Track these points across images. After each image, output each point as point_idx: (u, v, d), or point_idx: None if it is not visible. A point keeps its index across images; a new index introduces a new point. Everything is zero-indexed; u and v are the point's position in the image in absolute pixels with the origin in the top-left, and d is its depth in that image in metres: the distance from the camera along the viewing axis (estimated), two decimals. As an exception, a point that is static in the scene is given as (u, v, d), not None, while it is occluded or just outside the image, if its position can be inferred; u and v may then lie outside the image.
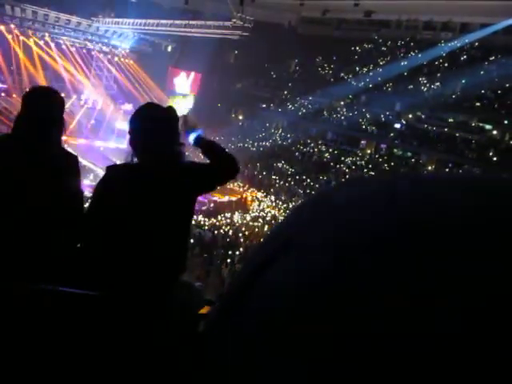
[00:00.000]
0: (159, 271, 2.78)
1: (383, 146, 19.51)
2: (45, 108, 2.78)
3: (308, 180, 18.30)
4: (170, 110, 2.93)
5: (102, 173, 3.09)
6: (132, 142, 2.92)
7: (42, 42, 18.36)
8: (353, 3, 20.33)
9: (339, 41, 21.63)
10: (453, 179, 0.23)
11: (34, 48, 18.42)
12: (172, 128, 2.83)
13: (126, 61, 19.39)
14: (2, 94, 16.74)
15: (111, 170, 2.95)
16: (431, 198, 0.21)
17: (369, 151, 19.68)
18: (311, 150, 20.10)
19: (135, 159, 2.93)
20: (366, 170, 18.31)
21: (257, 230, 14.47)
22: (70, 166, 2.93)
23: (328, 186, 0.23)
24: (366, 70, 21.18)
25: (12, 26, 17.71)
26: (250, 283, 0.18)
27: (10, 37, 17.90)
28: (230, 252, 12.36)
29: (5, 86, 17.28)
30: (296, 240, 0.18)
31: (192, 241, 12.45)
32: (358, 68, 21.37)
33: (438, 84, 19.48)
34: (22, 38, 17.99)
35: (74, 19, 18.03)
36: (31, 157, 2.70)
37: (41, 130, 2.72)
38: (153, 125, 2.87)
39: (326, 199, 0.20)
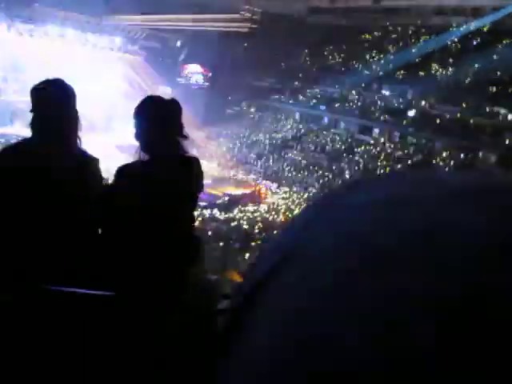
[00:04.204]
0: (172, 264, 2.76)
1: (396, 133, 19.34)
2: (56, 105, 2.73)
3: (321, 170, 18.23)
4: (172, 102, 2.89)
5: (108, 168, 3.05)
6: (137, 137, 2.92)
7: (48, 41, 18.40)
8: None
9: (349, 29, 21.45)
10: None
11: (41, 47, 18.47)
12: (174, 120, 2.81)
13: (135, 57, 19.41)
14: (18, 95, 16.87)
15: (121, 169, 2.93)
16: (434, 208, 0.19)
17: (382, 139, 19.52)
18: (324, 140, 19.99)
19: (143, 154, 2.92)
20: (380, 159, 18.20)
21: (271, 221, 14.45)
22: (87, 168, 2.90)
23: (327, 193, 0.22)
24: (376, 57, 21.00)
25: (21, 25, 17.79)
26: (253, 298, 0.18)
27: (18, 36, 18.00)
28: (245, 244, 12.35)
29: (20, 85, 17.42)
30: (297, 252, 0.18)
31: (209, 234, 12.48)
32: (368, 56, 21.19)
33: (450, 69, 19.27)
34: (29, 37, 18.08)
35: (84, 18, 18.07)
36: (47, 161, 2.66)
37: (55, 130, 2.68)
38: (154, 118, 2.84)
39: (326, 208, 0.20)
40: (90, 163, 2.86)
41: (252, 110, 21.14)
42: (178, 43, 20.14)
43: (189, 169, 2.88)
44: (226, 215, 14.48)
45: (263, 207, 15.69)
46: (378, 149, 18.86)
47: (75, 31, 18.66)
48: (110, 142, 17.02)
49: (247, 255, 11.73)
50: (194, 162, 2.93)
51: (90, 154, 2.96)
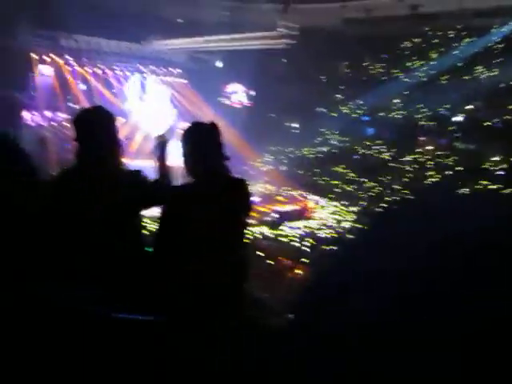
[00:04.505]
0: (225, 284, 2.74)
1: (443, 141, 18.92)
2: (97, 133, 2.80)
3: (369, 182, 17.99)
4: (214, 125, 2.99)
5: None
6: (184, 160, 2.99)
7: (96, 70, 18.93)
8: (397, -1, 19.92)
9: (387, 38, 21.21)
10: None
11: (88, 76, 18.99)
12: (216, 143, 2.89)
13: (179, 80, 19.71)
14: (64, 124, 17.35)
15: (175, 190, 3.03)
16: None
17: (428, 147, 19.12)
18: (369, 151, 19.75)
19: (190, 177, 2.96)
20: (428, 167, 17.83)
21: (322, 237, 14.31)
22: (137, 188, 2.96)
23: None
24: (418, 64, 20.69)
25: (68, 57, 18.33)
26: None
27: (66, 68, 18.55)
28: (296, 262, 12.21)
29: (64, 115, 17.90)
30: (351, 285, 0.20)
31: (258, 252, 12.41)
32: (409, 64, 20.90)
33: (495, 72, 18.78)
34: (78, 67, 18.59)
35: (125, 45, 18.48)
36: (92, 184, 2.73)
37: (97, 155, 2.74)
38: (196, 143, 2.93)
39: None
40: (139, 184, 2.91)
41: (295, 125, 21.11)
42: (219, 64, 20.33)
43: (236, 190, 2.91)
44: (275, 232, 14.40)
45: (313, 222, 15.56)
46: (426, 157, 18.49)
47: (118, 59, 19.11)
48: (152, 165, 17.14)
49: (298, 272, 11.61)
50: (241, 183, 2.97)
51: (141, 174, 3.02)
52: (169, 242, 2.75)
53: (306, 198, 17.84)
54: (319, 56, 20.43)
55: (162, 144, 3.07)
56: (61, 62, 18.51)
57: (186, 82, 20.18)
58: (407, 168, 18.41)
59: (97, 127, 2.80)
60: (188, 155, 2.89)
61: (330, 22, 20.97)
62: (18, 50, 17.20)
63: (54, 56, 18.41)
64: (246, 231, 2.97)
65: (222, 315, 2.59)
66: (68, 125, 17.48)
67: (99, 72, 19.04)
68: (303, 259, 12.26)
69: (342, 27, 21.46)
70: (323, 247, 13.02)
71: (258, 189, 16.86)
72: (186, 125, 3.01)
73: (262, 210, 15.55)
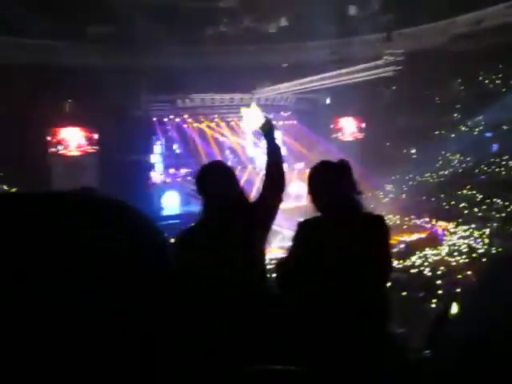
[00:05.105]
0: (367, 322, 2.66)
1: None
2: (219, 188, 2.94)
3: (500, 202, 16.84)
4: (343, 163, 2.96)
5: (288, 233, 3.16)
6: (313, 200, 2.95)
7: (213, 124, 19.93)
8: (507, 5, 18.89)
9: (501, 47, 20.05)
10: None
11: (207, 130, 20.02)
12: (347, 179, 2.84)
13: (289, 122, 20.18)
14: (189, 178, 18.32)
15: (304, 224, 3.02)
16: None
17: None
18: (497, 169, 18.57)
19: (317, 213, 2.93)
20: None
21: (454, 264, 13.59)
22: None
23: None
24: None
25: (185, 115, 19.52)
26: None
27: (185, 126, 19.74)
28: (429, 293, 11.66)
29: (190, 170, 18.88)
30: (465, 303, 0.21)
31: (388, 284, 12.02)
32: (530, 71, 19.58)
33: None
34: (195, 124, 19.71)
35: (237, 96, 19.35)
36: (218, 241, 2.84)
37: (223, 209, 2.88)
38: (329, 181, 2.90)
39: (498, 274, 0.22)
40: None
41: (413, 151, 20.53)
42: (327, 100, 20.54)
43: (377, 227, 2.81)
44: (405, 263, 13.93)
45: (443, 250, 14.85)
46: None
47: (232, 110, 20.01)
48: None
49: (433, 304, 11.01)
50: (381, 220, 2.87)
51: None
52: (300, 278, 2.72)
53: (432, 224, 17.14)
54: (429, 77, 19.86)
55: (268, 125, 3.17)
56: (179, 121, 19.88)
57: (295, 122, 20.60)
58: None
59: (218, 181, 2.96)
60: (321, 193, 2.88)
61: (438, 41, 20.39)
62: (142, 117, 18.80)
63: (173, 117, 19.90)
64: (386, 269, 2.89)
65: (364, 351, 2.52)
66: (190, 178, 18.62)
67: (213, 125, 20.13)
68: (438, 290, 11.70)
69: (451, 44, 20.76)
70: (457, 276, 12.34)
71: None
72: (310, 165, 3.04)
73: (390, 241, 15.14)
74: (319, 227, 2.76)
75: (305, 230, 2.81)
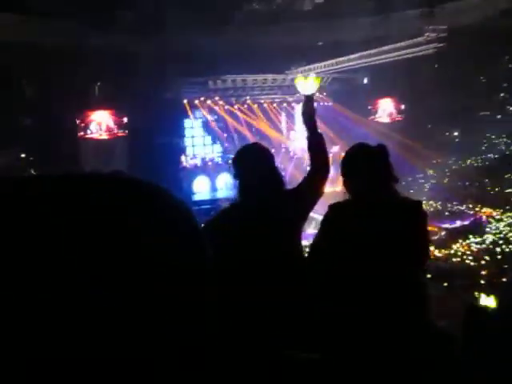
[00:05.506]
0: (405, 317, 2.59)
1: None
2: (256, 170, 2.74)
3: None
4: (380, 147, 2.80)
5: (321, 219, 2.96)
6: (346, 184, 2.77)
7: (245, 107, 19.56)
8: None
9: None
10: None
11: (239, 113, 19.68)
12: (383, 163, 2.68)
13: (325, 103, 19.59)
14: (220, 163, 18.09)
15: (334, 207, 3.02)
16: None
17: None
18: (546, 152, 17.62)
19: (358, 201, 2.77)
20: None
21: (500, 252, 12.91)
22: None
23: None
24: None
25: (217, 97, 19.19)
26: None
27: (217, 108, 19.43)
28: (472, 282, 11.09)
29: (221, 154, 18.77)
30: None
31: (429, 275, 11.56)
32: None
33: None
34: (227, 106, 19.37)
35: (270, 77, 18.88)
36: (254, 221, 2.67)
37: (258, 194, 2.69)
38: (365, 165, 2.78)
39: None
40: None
41: (456, 133, 19.68)
42: (365, 80, 19.79)
43: (410, 214, 2.77)
44: (446, 252, 13.39)
45: (487, 238, 14.12)
46: None
47: (265, 92, 19.59)
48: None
49: (475, 294, 10.42)
50: (416, 206, 2.78)
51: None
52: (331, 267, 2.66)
53: (476, 211, 16.38)
54: (474, 55, 18.87)
55: (309, 100, 3.12)
56: (211, 103, 19.51)
57: (331, 104, 19.98)
58: None
59: (255, 163, 2.88)
60: (354, 177, 2.77)
61: (483, 16, 19.31)
62: (172, 99, 18.51)
63: (204, 99, 19.51)
64: (422, 255, 2.81)
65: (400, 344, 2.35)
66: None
67: (245, 108, 19.71)
68: (480, 280, 11.14)
69: (498, 19, 19.65)
70: (503, 266, 11.68)
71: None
72: (346, 148, 3.01)
73: (429, 229, 14.50)
74: (349, 210, 2.67)
75: (334, 212, 2.72)
